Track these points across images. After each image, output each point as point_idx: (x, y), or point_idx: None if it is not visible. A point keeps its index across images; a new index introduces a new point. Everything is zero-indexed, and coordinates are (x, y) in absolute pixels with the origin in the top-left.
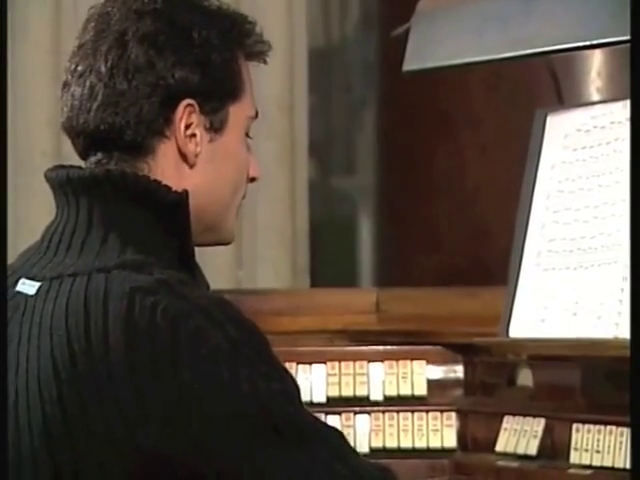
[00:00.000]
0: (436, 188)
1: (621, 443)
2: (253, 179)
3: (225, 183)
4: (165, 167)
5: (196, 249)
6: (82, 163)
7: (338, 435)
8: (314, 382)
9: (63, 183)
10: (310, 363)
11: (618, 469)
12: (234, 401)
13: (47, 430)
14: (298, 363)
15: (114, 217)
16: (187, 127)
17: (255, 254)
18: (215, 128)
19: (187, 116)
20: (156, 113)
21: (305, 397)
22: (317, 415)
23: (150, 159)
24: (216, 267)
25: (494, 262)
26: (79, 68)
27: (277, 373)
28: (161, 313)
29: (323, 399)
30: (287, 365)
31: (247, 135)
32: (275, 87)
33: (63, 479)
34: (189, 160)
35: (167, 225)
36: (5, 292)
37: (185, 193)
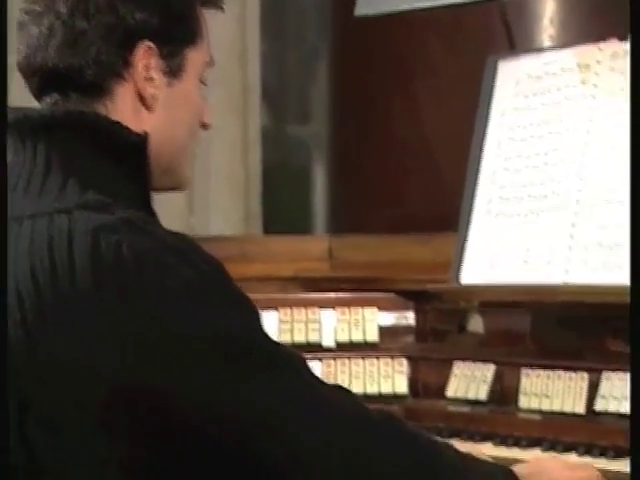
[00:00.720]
0: (390, 136)
1: (570, 388)
2: (205, 125)
3: (181, 127)
4: (123, 110)
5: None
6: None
7: (303, 361)
8: (266, 329)
9: (20, 122)
10: (262, 310)
11: (567, 413)
12: (205, 332)
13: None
14: None
15: (73, 160)
16: (145, 70)
17: (207, 201)
18: (173, 72)
19: (146, 58)
20: (115, 54)
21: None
22: None
23: (108, 101)
24: (168, 214)
25: (446, 209)
26: (37, 8)
27: (243, 302)
28: (127, 249)
29: None
30: None
31: (202, 82)
32: (227, 33)
33: (32, 408)
34: (147, 103)
35: (127, 167)
36: (5, 291)
37: (145, 135)
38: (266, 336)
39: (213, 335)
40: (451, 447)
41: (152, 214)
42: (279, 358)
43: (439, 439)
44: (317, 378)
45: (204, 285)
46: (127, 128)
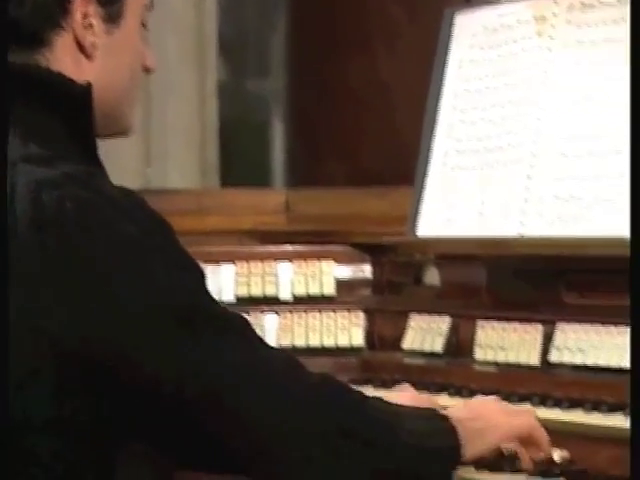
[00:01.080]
0: (348, 91)
1: (524, 339)
2: (148, 70)
3: (123, 74)
4: (63, 60)
5: (103, 149)
6: None
7: (246, 323)
8: (223, 282)
9: None
10: (219, 263)
11: (522, 365)
12: (145, 289)
13: None
14: (207, 263)
15: (16, 112)
16: (84, 17)
17: (164, 153)
18: (112, 18)
19: (83, 6)
20: (53, 3)
21: (214, 297)
22: None
23: (48, 52)
24: (123, 166)
25: (403, 162)
26: None
27: (188, 262)
28: (70, 204)
29: (232, 299)
30: None
31: (143, 25)
32: None
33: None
34: (87, 52)
35: (71, 119)
36: (6, 292)
37: (89, 85)
38: (210, 298)
39: (153, 297)
40: (387, 402)
41: (98, 166)
42: (223, 320)
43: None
44: (260, 339)
45: (147, 244)
46: (70, 79)
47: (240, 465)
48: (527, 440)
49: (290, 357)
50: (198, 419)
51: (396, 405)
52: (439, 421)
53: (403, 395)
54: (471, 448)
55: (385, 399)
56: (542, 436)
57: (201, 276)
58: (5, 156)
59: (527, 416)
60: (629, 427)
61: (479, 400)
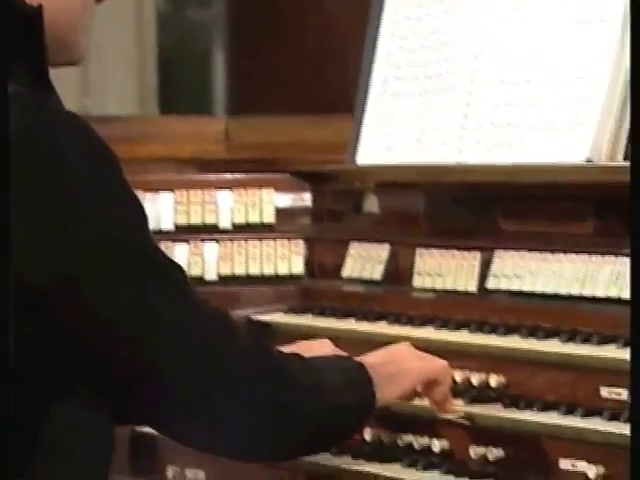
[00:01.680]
0: (289, 18)
1: (462, 266)
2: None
3: (76, 1)
4: None
5: None
6: None
7: (184, 275)
8: (162, 210)
9: None
10: (158, 191)
11: (459, 292)
12: (86, 222)
13: None
14: (146, 191)
15: None
16: None
17: (103, 81)
18: None
19: None
20: None
21: (153, 226)
22: (165, 243)
23: None
24: (62, 94)
25: (343, 90)
26: None
27: (130, 198)
28: (17, 126)
29: (171, 227)
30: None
31: None
32: None
33: None
34: None
35: (22, 40)
36: (8, 293)
37: (40, 7)
38: (152, 240)
39: (98, 229)
40: (308, 360)
41: (49, 88)
42: (163, 267)
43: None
44: (196, 294)
45: (90, 175)
46: (21, 0)
47: (160, 422)
48: (436, 383)
49: (224, 317)
50: (123, 361)
51: (315, 360)
52: (356, 372)
53: (323, 346)
54: (386, 393)
55: (304, 353)
56: (448, 382)
57: (141, 210)
58: (7, 153)
59: (440, 362)
60: (567, 353)
61: (392, 346)
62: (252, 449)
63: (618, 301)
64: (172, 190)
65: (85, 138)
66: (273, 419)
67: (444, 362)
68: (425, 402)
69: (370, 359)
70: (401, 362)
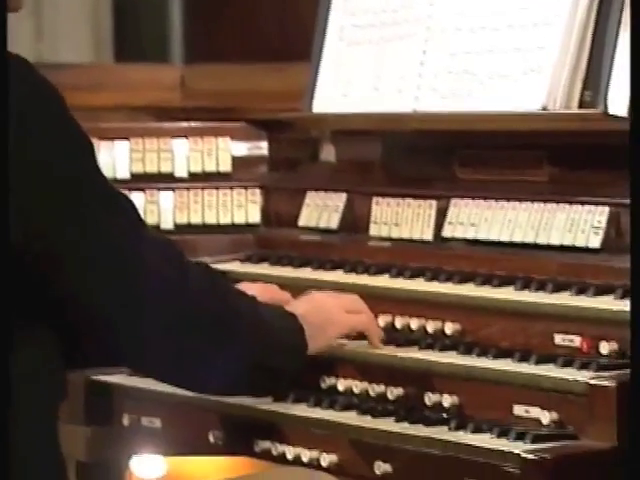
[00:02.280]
0: None
1: (418, 215)
2: None
3: None
4: None
5: None
6: None
7: (132, 204)
8: (117, 159)
9: None
10: (113, 139)
11: (415, 240)
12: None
13: None
14: (100, 139)
15: None
16: None
17: (56, 27)
18: None
19: None
20: None
21: (108, 174)
22: None
23: None
24: (14, 40)
25: (300, 38)
26: None
27: (80, 136)
28: None
29: (127, 175)
30: None
31: None
32: None
33: None
34: None
35: None
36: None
37: None
38: (100, 175)
39: (45, 170)
40: (249, 296)
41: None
42: (109, 196)
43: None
44: (143, 222)
45: (39, 113)
46: None
47: (113, 354)
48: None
49: (171, 244)
50: (71, 291)
51: (254, 299)
52: (289, 319)
53: (256, 286)
54: (314, 343)
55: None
56: (376, 332)
57: (91, 148)
58: (6, 153)
59: (367, 313)
60: (522, 300)
61: (320, 295)
62: (202, 377)
63: (572, 249)
64: (127, 138)
65: (30, 77)
66: (222, 346)
67: (370, 315)
68: (384, 351)
69: (299, 309)
70: (328, 313)
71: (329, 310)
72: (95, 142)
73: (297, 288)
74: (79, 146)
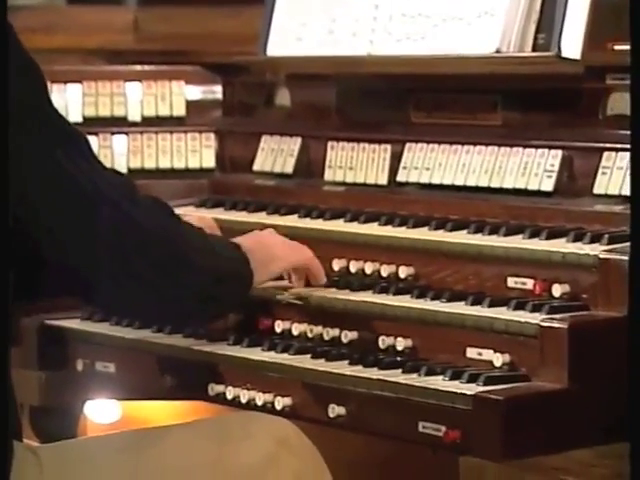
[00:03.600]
0: None
1: (373, 160)
2: None
3: None
4: None
5: None
6: None
7: (86, 139)
8: (70, 102)
9: None
10: (65, 82)
11: (370, 185)
12: None
13: None
14: (53, 82)
15: None
16: None
17: None
18: None
19: None
20: None
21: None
22: None
23: None
24: None
25: None
26: None
27: (34, 69)
28: None
29: (79, 119)
30: None
31: None
32: None
33: None
34: None
35: None
36: (7, 290)
37: None
38: (53, 108)
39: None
40: (198, 227)
41: None
42: (63, 130)
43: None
44: (97, 158)
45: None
46: None
47: (59, 282)
48: (303, 271)
49: (126, 179)
50: (24, 218)
51: (202, 230)
52: (236, 250)
53: (194, 219)
54: (258, 275)
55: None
56: (317, 268)
57: (44, 82)
58: (6, 153)
59: (305, 250)
60: (475, 244)
61: (264, 232)
62: (156, 307)
63: (525, 192)
64: (80, 81)
65: None
66: (176, 275)
67: (311, 253)
68: (338, 295)
69: (244, 243)
70: (271, 248)
71: (272, 246)
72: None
73: None
74: (33, 77)
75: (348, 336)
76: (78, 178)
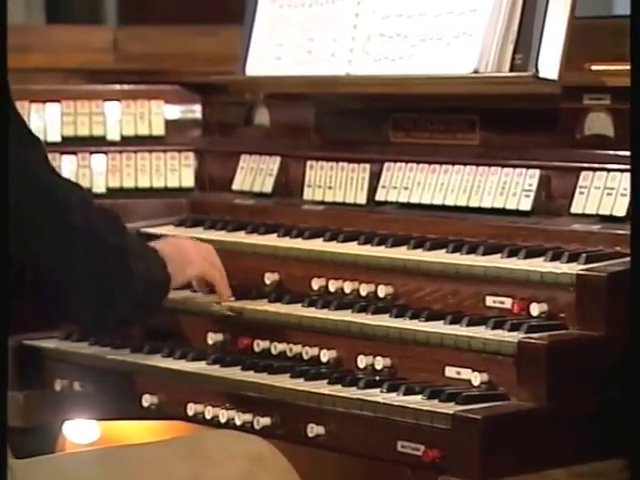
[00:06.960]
0: None
1: (352, 179)
2: None
3: None
4: None
5: None
6: None
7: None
8: (48, 121)
9: None
10: (44, 102)
11: (349, 204)
12: None
13: None
14: (31, 102)
15: None
16: None
17: None
18: None
19: None
20: None
21: (39, 137)
22: (52, 155)
23: None
24: None
25: (232, 0)
26: None
27: None
28: None
29: (58, 138)
30: (19, 104)
31: None
32: None
33: None
34: None
35: None
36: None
37: None
38: (16, 111)
39: None
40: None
41: None
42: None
43: None
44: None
45: None
46: None
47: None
48: (211, 280)
49: (76, 183)
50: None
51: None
52: (156, 254)
53: None
54: (174, 280)
55: None
56: (223, 282)
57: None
58: (6, 155)
59: (216, 262)
60: (453, 263)
61: (179, 238)
62: (101, 310)
63: (504, 212)
64: (59, 101)
65: None
66: (119, 280)
67: (220, 266)
68: (318, 314)
69: (163, 248)
70: (186, 254)
71: (187, 252)
72: (26, 104)
73: (231, 252)
74: None
75: (327, 355)
76: (42, 179)
